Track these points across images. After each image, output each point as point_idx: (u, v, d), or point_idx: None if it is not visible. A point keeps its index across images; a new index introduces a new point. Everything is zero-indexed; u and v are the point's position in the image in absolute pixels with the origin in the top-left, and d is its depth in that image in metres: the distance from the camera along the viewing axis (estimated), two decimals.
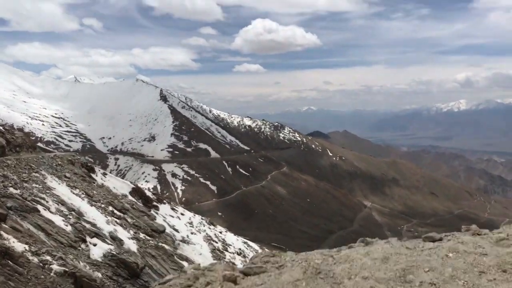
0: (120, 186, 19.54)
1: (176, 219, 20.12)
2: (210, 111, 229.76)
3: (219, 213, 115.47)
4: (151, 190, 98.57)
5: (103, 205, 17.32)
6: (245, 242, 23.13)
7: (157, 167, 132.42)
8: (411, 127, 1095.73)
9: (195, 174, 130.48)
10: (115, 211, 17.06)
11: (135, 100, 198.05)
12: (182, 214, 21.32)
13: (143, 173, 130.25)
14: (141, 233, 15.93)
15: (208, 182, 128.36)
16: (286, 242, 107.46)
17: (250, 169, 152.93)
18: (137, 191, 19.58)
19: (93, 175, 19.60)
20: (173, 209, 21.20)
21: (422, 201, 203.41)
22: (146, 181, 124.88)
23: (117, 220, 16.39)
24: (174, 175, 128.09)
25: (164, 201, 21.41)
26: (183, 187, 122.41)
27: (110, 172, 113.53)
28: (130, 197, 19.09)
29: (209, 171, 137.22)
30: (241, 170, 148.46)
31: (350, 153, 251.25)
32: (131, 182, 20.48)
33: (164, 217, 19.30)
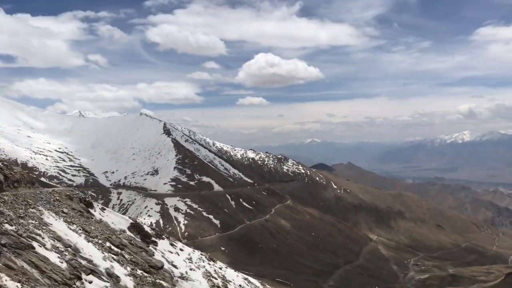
0: (118, 221, 19.26)
1: (174, 255, 19.70)
2: (214, 144, 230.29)
3: (222, 248, 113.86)
4: (153, 224, 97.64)
5: (100, 241, 17.02)
6: (245, 278, 22.55)
7: (160, 201, 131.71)
8: (415, 159, 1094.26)
9: (198, 208, 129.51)
10: (113, 247, 16.75)
11: (138, 134, 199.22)
12: (181, 249, 20.92)
13: (145, 208, 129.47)
14: (138, 270, 15.56)
15: (211, 216, 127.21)
16: (290, 278, 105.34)
17: (254, 202, 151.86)
18: (135, 227, 19.29)
19: (91, 210, 19.37)
20: (172, 244, 20.81)
21: (428, 234, 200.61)
22: (149, 216, 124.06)
23: (114, 256, 16.06)
24: (176, 209, 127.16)
25: (163, 236, 21.05)
26: (185, 222, 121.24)
27: (113, 207, 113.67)
28: (128, 233, 18.79)
29: (212, 204, 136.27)
30: (244, 203, 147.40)
31: (354, 185, 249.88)
32: (129, 217, 20.21)
33: (163, 253, 18.91)
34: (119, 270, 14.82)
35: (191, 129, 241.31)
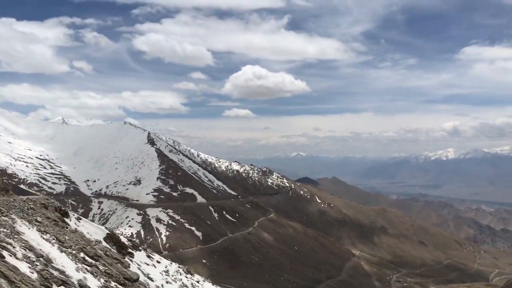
0: (94, 232, 18.75)
1: (151, 267, 19.21)
2: (198, 155, 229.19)
3: (204, 260, 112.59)
4: (134, 235, 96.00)
5: (74, 251, 16.50)
6: None
7: (141, 212, 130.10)
8: (400, 175, 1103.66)
9: (180, 220, 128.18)
10: (87, 258, 16.23)
11: (122, 143, 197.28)
12: (158, 261, 20.42)
13: (126, 218, 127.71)
14: (112, 282, 15.06)
15: (193, 228, 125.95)
16: None
17: (237, 215, 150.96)
18: (111, 237, 18.78)
19: (67, 220, 18.83)
20: (149, 256, 20.32)
21: (411, 250, 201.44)
22: (130, 226, 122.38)
23: (88, 268, 15.55)
24: (158, 220, 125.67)
25: (140, 248, 20.55)
26: (167, 233, 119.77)
27: (93, 216, 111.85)
28: (104, 243, 18.28)
29: (194, 216, 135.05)
30: (227, 216, 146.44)
31: (338, 200, 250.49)
32: (106, 228, 19.71)
33: (139, 265, 18.41)
34: (92, 282, 14.33)
35: (176, 140, 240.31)
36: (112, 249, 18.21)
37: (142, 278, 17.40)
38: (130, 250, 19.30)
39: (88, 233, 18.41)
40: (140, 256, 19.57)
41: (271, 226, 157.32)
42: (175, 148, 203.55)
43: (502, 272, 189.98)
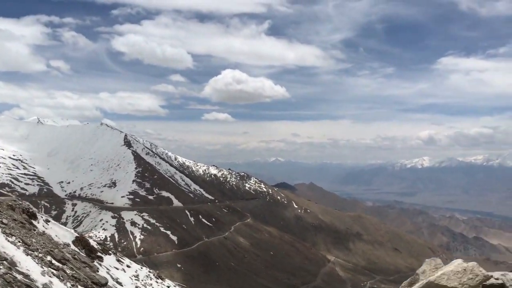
0: (63, 235, 18.26)
1: (121, 271, 18.81)
2: (175, 158, 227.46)
3: (179, 265, 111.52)
4: (108, 238, 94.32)
5: (40, 255, 16.00)
6: None
7: (116, 215, 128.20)
8: (376, 182, 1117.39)
9: (156, 223, 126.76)
10: (54, 262, 15.76)
11: (98, 145, 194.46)
12: (128, 266, 20.01)
13: (101, 220, 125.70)
14: (79, 286, 14.64)
15: (168, 232, 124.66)
16: None
17: (213, 219, 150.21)
18: (80, 241, 18.33)
19: (34, 222, 18.29)
20: (118, 260, 19.89)
21: (385, 257, 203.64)
22: (104, 229, 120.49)
23: (54, 272, 15.07)
24: (133, 223, 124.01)
25: (110, 252, 20.11)
26: (142, 237, 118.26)
27: (67, 218, 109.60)
28: (72, 247, 17.80)
29: (170, 220, 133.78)
30: (203, 220, 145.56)
31: (315, 205, 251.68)
32: (75, 231, 19.23)
33: (108, 269, 18.00)
34: (58, 286, 13.89)
35: (153, 142, 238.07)
36: (81, 253, 17.75)
37: (111, 282, 17.00)
38: (99, 254, 18.86)
39: (56, 236, 17.91)
40: (109, 260, 19.14)
41: (247, 231, 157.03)
42: (152, 151, 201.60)
43: None
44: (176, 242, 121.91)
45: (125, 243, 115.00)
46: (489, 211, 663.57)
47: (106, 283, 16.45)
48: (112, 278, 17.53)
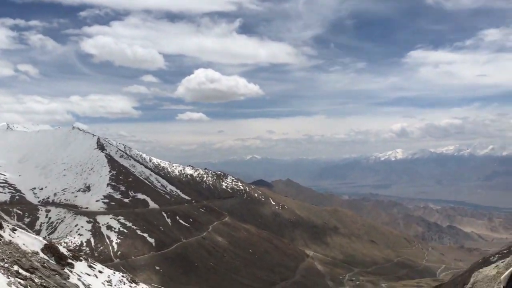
0: (31, 243, 17.86)
1: (92, 277, 18.52)
2: (150, 160, 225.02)
3: (157, 267, 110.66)
4: (84, 244, 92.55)
5: (7, 265, 15.61)
6: None
7: (91, 219, 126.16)
8: (351, 176, 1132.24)
9: (132, 226, 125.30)
10: (21, 271, 15.40)
11: (70, 149, 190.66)
12: (100, 271, 19.73)
13: (76, 226, 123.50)
14: None
15: (145, 235, 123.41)
16: None
17: (191, 220, 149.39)
18: (50, 248, 17.95)
19: (0, 231, 17.83)
20: (90, 266, 19.59)
21: (362, 249, 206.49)
22: (79, 234, 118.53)
23: (22, 281, 14.74)
24: (109, 227, 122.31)
25: (81, 258, 19.78)
26: (118, 240, 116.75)
27: (41, 225, 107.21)
28: (41, 255, 17.44)
29: (147, 222, 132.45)
30: (181, 221, 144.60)
31: (292, 201, 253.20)
32: (44, 238, 18.83)
33: (79, 276, 17.71)
34: None
35: (127, 144, 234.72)
36: (50, 260, 17.41)
37: None
38: (70, 260, 18.53)
39: (24, 244, 17.51)
40: (81, 266, 18.83)
41: (225, 230, 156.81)
42: (126, 153, 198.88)
43: (448, 267, 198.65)
44: (154, 245, 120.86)
45: (101, 247, 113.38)
46: (462, 200, 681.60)
47: None
48: (84, 284, 17.27)
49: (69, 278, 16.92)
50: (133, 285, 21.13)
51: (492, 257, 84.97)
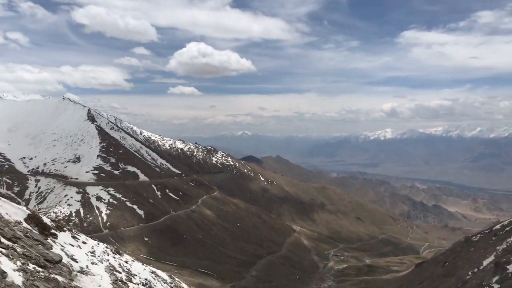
0: (14, 212, 18.02)
1: (76, 248, 18.79)
2: (141, 133, 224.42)
3: (146, 239, 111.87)
4: (73, 214, 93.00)
5: None
6: (153, 272, 22.15)
7: (81, 190, 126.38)
8: (340, 154, 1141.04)
9: (122, 198, 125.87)
10: (3, 240, 15.63)
11: (60, 119, 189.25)
12: (84, 242, 20.01)
13: (65, 196, 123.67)
14: (31, 264, 14.60)
15: (135, 206, 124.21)
16: (214, 268, 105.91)
17: (180, 193, 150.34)
18: (33, 218, 18.13)
19: None
20: (74, 237, 19.86)
21: (348, 226, 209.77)
22: (69, 205, 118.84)
23: (3, 250, 14.97)
24: (99, 198, 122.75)
25: (65, 228, 20.03)
26: (108, 212, 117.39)
27: (30, 195, 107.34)
28: (24, 224, 17.62)
29: (136, 194, 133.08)
30: (170, 194, 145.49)
31: (281, 178, 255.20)
32: (27, 208, 19.03)
33: (63, 246, 17.95)
34: (7, 265, 13.85)
35: (119, 117, 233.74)
36: (34, 230, 17.62)
37: (65, 259, 17.03)
38: (53, 231, 18.75)
39: (7, 213, 17.67)
40: (64, 237, 19.07)
41: (214, 204, 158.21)
42: (116, 126, 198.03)
43: (432, 245, 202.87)
44: (143, 216, 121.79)
45: (91, 218, 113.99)
46: (448, 180, 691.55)
47: (60, 260, 16.49)
48: (67, 255, 17.53)
49: (52, 248, 17.18)
50: (117, 256, 21.49)
51: (473, 237, 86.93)
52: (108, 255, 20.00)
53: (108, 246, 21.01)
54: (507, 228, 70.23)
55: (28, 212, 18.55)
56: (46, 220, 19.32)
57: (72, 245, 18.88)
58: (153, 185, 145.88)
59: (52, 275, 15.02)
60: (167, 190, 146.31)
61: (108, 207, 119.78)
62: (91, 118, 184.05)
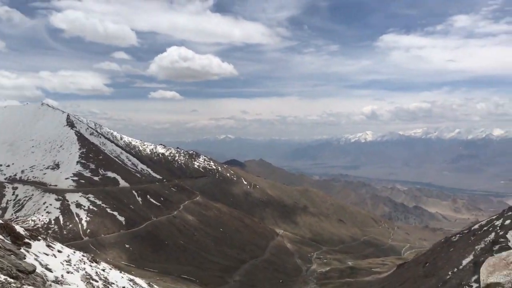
0: None
1: (51, 257, 18.50)
2: (121, 138, 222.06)
3: (127, 245, 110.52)
4: (52, 221, 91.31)
5: None
6: (131, 280, 21.90)
7: (60, 197, 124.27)
8: (322, 156, 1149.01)
9: (102, 205, 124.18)
10: None
11: (39, 125, 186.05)
12: (59, 251, 19.70)
13: (44, 203, 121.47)
14: (1, 275, 14.32)
15: (115, 213, 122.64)
16: (196, 274, 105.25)
17: (162, 198, 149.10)
18: (5, 227, 17.79)
19: None
20: (49, 246, 19.53)
21: (330, 228, 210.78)
22: (48, 212, 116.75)
23: None
24: (78, 205, 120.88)
25: (39, 237, 19.69)
26: (88, 218, 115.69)
27: (7, 203, 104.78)
28: None
29: (117, 201, 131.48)
30: (151, 199, 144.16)
31: (263, 181, 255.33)
32: None
33: (37, 256, 17.66)
34: None
35: (99, 122, 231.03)
36: (6, 240, 17.29)
37: (39, 269, 16.74)
38: (27, 240, 18.43)
39: None
40: (38, 246, 18.76)
41: (196, 208, 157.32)
42: (96, 131, 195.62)
43: (413, 246, 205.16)
44: (124, 223, 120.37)
45: (70, 225, 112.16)
46: (428, 182, 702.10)
47: (34, 270, 16.18)
48: (41, 264, 17.24)
49: (25, 258, 16.85)
50: (94, 264, 21.20)
51: (453, 237, 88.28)
52: (84, 264, 19.73)
53: (85, 254, 20.70)
54: (485, 228, 71.49)
55: (0, 221, 18.16)
56: (19, 229, 18.93)
57: (47, 254, 18.55)
58: (133, 191, 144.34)
59: (24, 286, 14.72)
60: (148, 196, 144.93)
61: (88, 214, 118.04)
62: (70, 123, 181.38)
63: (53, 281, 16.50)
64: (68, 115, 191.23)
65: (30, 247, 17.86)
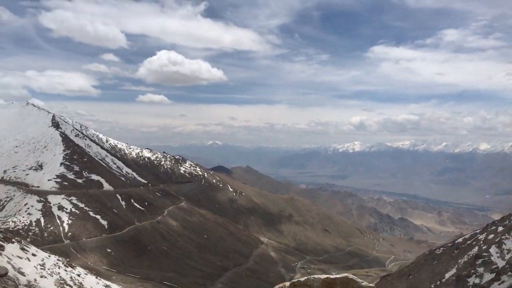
0: None
1: (24, 261, 18.00)
2: (107, 141, 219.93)
3: (108, 250, 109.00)
4: (33, 223, 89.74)
5: None
6: (107, 286, 21.44)
7: (42, 199, 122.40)
8: (310, 165, 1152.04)
9: (85, 208, 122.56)
10: None
11: (23, 125, 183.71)
12: (33, 254, 19.20)
13: (25, 205, 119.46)
14: None
15: (98, 216, 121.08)
16: (178, 280, 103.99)
17: (146, 203, 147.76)
18: None
19: None
20: (23, 249, 19.03)
21: (315, 237, 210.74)
22: (29, 214, 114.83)
23: None
24: (60, 207, 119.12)
25: (13, 240, 19.18)
26: (69, 221, 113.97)
27: None
28: None
29: (100, 204, 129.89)
30: (135, 204, 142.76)
31: (249, 188, 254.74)
32: None
33: (10, 259, 17.16)
34: None
35: (85, 124, 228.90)
36: None
37: (11, 272, 16.26)
38: (0, 242, 17.94)
39: None
40: (12, 248, 18.24)
41: (181, 214, 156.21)
42: (82, 133, 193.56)
43: (397, 258, 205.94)
44: (106, 227, 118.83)
45: (51, 228, 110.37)
46: (414, 194, 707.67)
47: (6, 274, 15.72)
48: (14, 268, 16.76)
49: None
50: (69, 269, 20.69)
51: (437, 250, 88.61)
52: (59, 268, 19.24)
53: (60, 258, 20.17)
54: (468, 242, 71.76)
55: None
56: None
57: (20, 258, 18.02)
58: (117, 195, 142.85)
59: None
60: (132, 200, 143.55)
61: (70, 217, 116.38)
62: (56, 124, 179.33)
63: (25, 285, 16.04)
64: (53, 116, 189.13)
65: (3, 250, 17.34)
